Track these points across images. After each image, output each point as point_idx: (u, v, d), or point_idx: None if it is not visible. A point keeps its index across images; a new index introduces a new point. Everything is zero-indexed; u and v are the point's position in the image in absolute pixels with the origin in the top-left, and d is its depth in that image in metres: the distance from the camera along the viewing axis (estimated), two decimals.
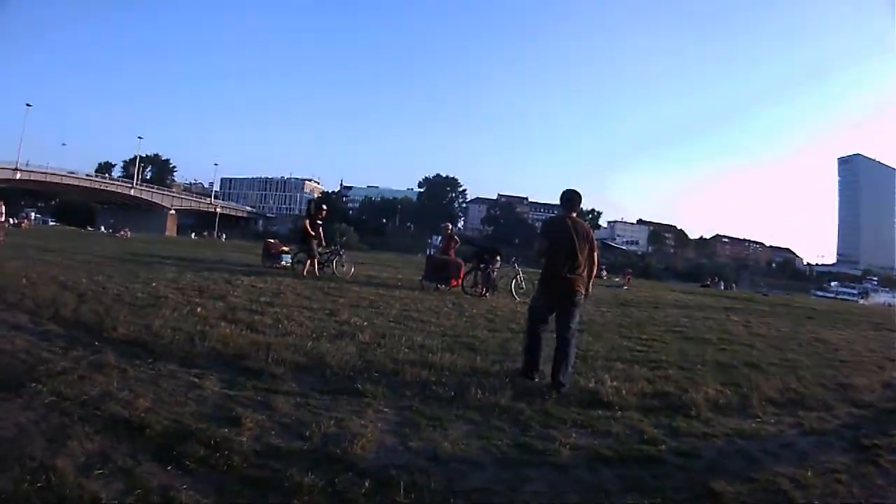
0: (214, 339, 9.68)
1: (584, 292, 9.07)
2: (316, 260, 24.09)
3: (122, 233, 72.41)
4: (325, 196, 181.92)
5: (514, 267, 23.17)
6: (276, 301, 14.96)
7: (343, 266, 25.94)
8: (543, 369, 8.94)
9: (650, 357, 11.70)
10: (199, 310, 12.43)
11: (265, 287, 17.92)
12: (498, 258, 23.24)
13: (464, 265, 23.40)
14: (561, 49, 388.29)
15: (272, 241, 31.60)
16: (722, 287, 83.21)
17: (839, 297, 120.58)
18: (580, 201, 9.39)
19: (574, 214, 9.18)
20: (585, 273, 9.01)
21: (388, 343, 10.68)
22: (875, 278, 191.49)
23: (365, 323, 12.68)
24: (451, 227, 25.70)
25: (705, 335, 15.84)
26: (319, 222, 24.59)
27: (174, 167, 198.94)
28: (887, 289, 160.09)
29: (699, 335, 15.75)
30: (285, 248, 29.06)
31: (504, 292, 22.80)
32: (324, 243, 25.23)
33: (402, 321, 13.53)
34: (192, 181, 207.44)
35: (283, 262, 27.83)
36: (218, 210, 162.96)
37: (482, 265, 22.69)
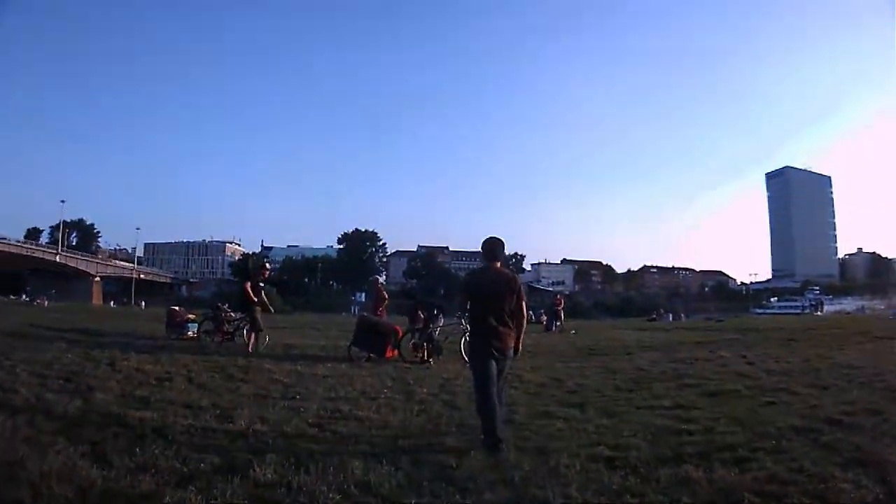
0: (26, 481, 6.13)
1: (514, 347, 8.81)
2: (259, 333, 19.98)
3: (39, 301, 67.64)
4: (245, 257, 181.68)
5: (461, 322, 18.42)
6: (156, 395, 11.05)
7: (254, 336, 21.09)
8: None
9: (709, 439, 8.52)
10: (37, 418, 8.90)
11: (153, 370, 14.10)
12: (441, 314, 19.42)
13: (398, 329, 19.27)
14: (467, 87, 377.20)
15: (176, 308, 27.09)
16: (670, 318, 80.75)
17: (787, 311, 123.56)
18: (503, 249, 9.21)
19: (498, 264, 9.03)
20: (514, 326, 8.76)
21: (304, 480, 6.53)
22: (816, 288, 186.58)
23: (270, 432, 8.70)
24: (380, 279, 21.63)
25: (726, 385, 13.08)
26: (262, 284, 20.97)
27: (98, 233, 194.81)
28: (830, 297, 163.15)
29: (720, 387, 12.88)
30: (191, 316, 25.05)
31: (451, 356, 18.47)
32: (271, 310, 21.70)
33: (327, 422, 9.54)
34: (117, 247, 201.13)
35: (190, 333, 23.56)
36: (141, 276, 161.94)
37: (421, 325, 18.97)
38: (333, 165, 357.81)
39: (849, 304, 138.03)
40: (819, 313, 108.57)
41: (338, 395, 11.86)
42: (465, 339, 16.92)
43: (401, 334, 19.05)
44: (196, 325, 23.44)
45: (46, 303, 65.36)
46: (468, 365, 10.11)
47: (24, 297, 79.85)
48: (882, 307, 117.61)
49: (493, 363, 8.50)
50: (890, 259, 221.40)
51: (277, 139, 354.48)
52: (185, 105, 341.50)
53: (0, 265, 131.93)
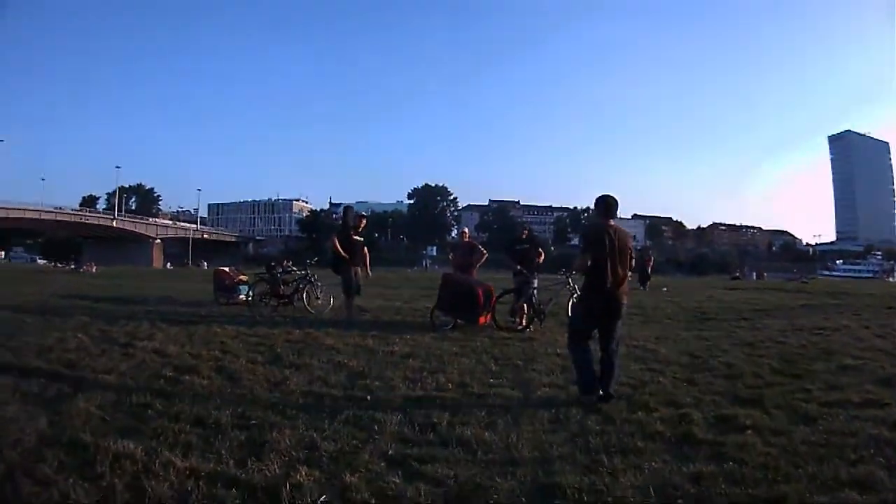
0: None
1: (626, 303, 8.65)
2: (351, 297, 16.54)
3: (86, 267, 64.02)
4: (313, 214, 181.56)
5: (567, 281, 15.60)
6: (160, 403, 7.53)
7: (318, 297, 18.68)
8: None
9: None
10: None
11: (176, 352, 10.94)
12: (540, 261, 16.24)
13: (492, 288, 15.63)
14: (545, 52, 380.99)
15: (226, 269, 23.43)
16: (754, 277, 76.73)
17: (853, 274, 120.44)
18: (617, 207, 8.79)
19: (612, 222, 8.63)
20: (626, 283, 8.63)
21: None
22: (879, 253, 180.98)
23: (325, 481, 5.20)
24: (468, 232, 17.93)
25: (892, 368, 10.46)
26: (359, 238, 16.87)
27: (159, 196, 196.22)
28: (893, 262, 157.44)
29: (890, 372, 10.16)
30: (243, 277, 21.55)
31: (555, 323, 15.54)
32: (369, 272, 17.53)
33: (418, 452, 5.97)
34: (179, 209, 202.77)
35: (241, 296, 20.07)
36: (204, 236, 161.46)
37: (524, 281, 15.60)
38: (401, 120, 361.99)
39: None
40: (891, 279, 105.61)
41: (426, 390, 8.66)
42: (573, 300, 14.75)
43: (494, 295, 15.61)
44: (248, 287, 20.11)
45: (94, 269, 62.34)
46: (571, 317, 9.72)
47: (69, 264, 74.22)
48: None
49: (598, 320, 8.48)
50: None
51: (342, 93, 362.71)
52: (243, 57, 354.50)
53: (57, 235, 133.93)
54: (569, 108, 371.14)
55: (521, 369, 10.20)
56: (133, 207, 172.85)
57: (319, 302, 18.43)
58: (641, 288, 34.58)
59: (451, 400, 8.09)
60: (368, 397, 8.07)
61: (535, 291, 15.44)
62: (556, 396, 8.49)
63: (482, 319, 15.22)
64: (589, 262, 8.30)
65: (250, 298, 19.14)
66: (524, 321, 15.20)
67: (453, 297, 15.33)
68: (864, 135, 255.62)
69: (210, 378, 8.97)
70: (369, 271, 17.51)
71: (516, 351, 11.92)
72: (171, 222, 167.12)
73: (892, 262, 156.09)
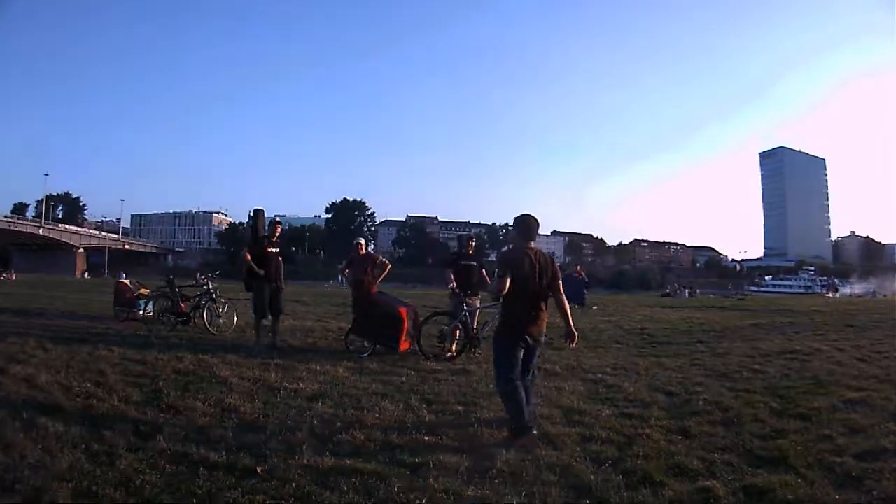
0: None
1: (545, 332, 8.07)
2: (260, 318, 14.04)
3: (5, 276, 61.58)
4: (232, 227, 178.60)
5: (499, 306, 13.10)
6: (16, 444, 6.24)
7: (219, 315, 16.25)
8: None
9: None
10: None
11: (48, 383, 9.10)
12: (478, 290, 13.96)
13: (414, 309, 13.90)
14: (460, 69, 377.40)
15: (126, 282, 21.25)
16: (686, 294, 74.99)
17: (785, 290, 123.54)
18: (538, 227, 8.24)
19: (532, 244, 8.02)
20: (549, 308, 8.06)
21: None
22: (811, 268, 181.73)
23: None
24: (363, 243, 15.18)
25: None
26: (273, 250, 14.30)
27: (84, 205, 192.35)
28: (825, 279, 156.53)
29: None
30: (145, 290, 19.16)
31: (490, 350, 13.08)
32: (281, 285, 14.50)
33: None
34: (103, 218, 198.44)
35: (141, 311, 17.90)
36: (126, 247, 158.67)
37: (459, 302, 13.43)
38: (322, 136, 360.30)
39: (857, 288, 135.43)
40: (831, 295, 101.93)
41: (339, 455, 6.32)
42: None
43: (416, 319, 13.69)
44: (148, 302, 18.06)
45: (13, 277, 60.59)
46: (494, 349, 8.29)
47: None
48: (889, 292, 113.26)
49: (522, 350, 7.76)
50: (883, 244, 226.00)
51: (265, 107, 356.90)
52: (169, 76, 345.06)
53: None
54: (484, 123, 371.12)
55: (462, 418, 8.21)
56: (60, 216, 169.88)
57: (221, 321, 16.20)
58: (577, 307, 31.12)
59: (371, 475, 5.80)
60: (258, 468, 5.73)
61: (470, 315, 13.30)
62: (521, 468, 6.20)
63: (405, 345, 13.20)
64: (505, 287, 7.65)
65: (149, 314, 17.20)
66: (455, 348, 13.24)
67: (371, 319, 13.24)
68: (797, 151, 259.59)
69: (67, 425, 6.85)
70: (282, 284, 14.68)
71: (451, 389, 9.89)
72: (95, 232, 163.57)
73: (829, 279, 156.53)
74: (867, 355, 13.64)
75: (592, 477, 5.85)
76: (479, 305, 13.66)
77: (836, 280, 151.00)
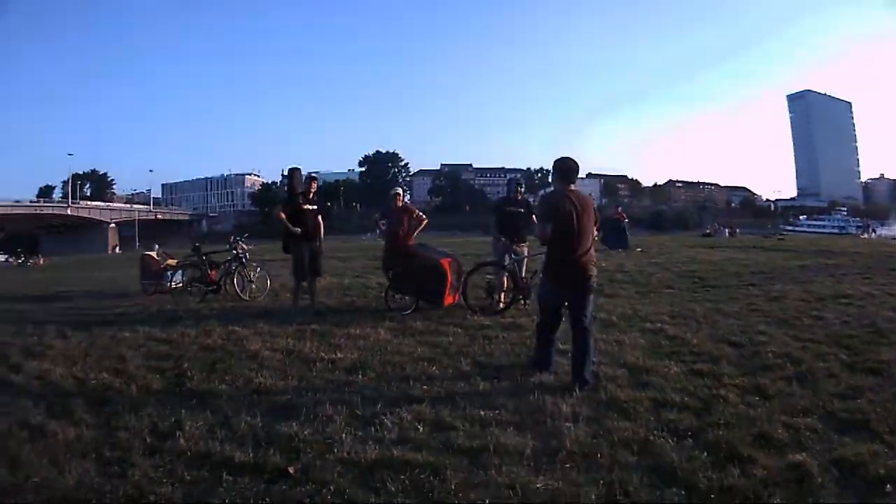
0: None
1: (596, 274, 7.78)
2: (300, 280, 13.01)
3: (33, 261, 59.63)
4: (265, 187, 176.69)
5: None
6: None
7: (251, 280, 15.40)
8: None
9: None
10: None
11: (63, 376, 8.20)
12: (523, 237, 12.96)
13: (459, 261, 13.03)
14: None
15: (152, 253, 19.78)
16: (727, 234, 73.21)
17: (819, 230, 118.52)
18: (578, 171, 7.99)
19: (572, 187, 7.83)
20: (593, 251, 7.83)
21: None
22: (844, 209, 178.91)
23: None
24: (401, 194, 13.98)
25: None
26: (310, 207, 13.08)
27: (112, 180, 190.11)
28: (859, 219, 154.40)
29: None
30: (171, 262, 18.07)
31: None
32: (321, 237, 13.45)
33: None
34: (133, 191, 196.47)
35: (170, 283, 16.43)
36: (158, 217, 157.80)
37: (507, 250, 12.40)
38: (351, 86, 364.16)
39: (887, 230, 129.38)
40: (867, 236, 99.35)
41: (382, 443, 5.45)
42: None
43: (463, 269, 12.96)
44: (175, 272, 16.81)
45: (41, 261, 59.24)
46: (538, 297, 8.36)
47: (17, 259, 66.06)
48: None
49: (568, 297, 7.62)
50: None
51: (289, 61, 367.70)
52: (189, 36, 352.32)
53: (16, 230, 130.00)
54: (516, 68, 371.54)
55: (520, 384, 7.22)
56: (88, 194, 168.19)
57: (254, 286, 15.37)
58: (621, 251, 30.40)
59: (422, 468, 4.90)
60: (291, 469, 4.86)
61: (518, 264, 12.34)
62: (595, 448, 5.27)
63: (449, 299, 12.32)
64: (550, 232, 7.48)
65: (178, 285, 16.07)
66: (504, 300, 12.29)
67: (413, 273, 12.30)
68: (824, 94, 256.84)
69: (79, 429, 6.02)
70: (321, 246, 13.69)
71: (504, 349, 9.03)
72: (126, 206, 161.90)
73: (864, 220, 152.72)
74: None
75: (674, 456, 5.06)
76: (526, 253, 12.72)
77: (870, 222, 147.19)
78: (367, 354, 8.71)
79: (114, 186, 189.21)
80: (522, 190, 13.49)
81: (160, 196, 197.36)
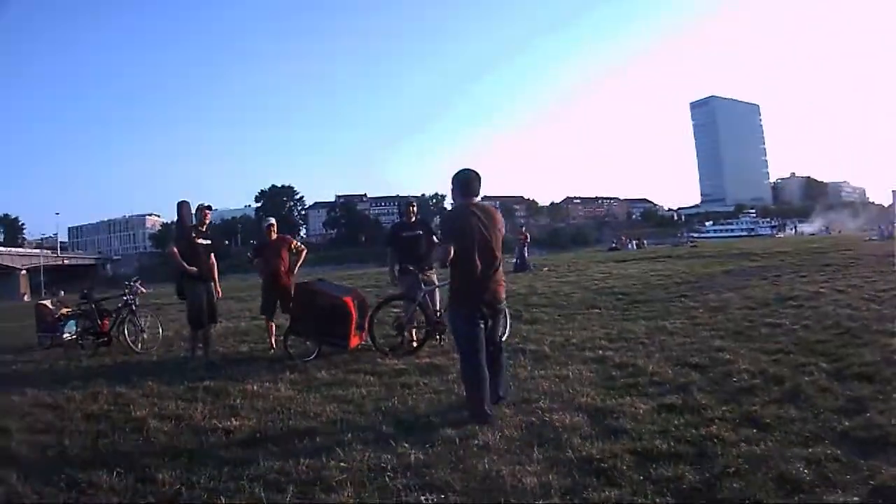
0: None
1: (504, 296, 7.23)
2: (197, 328, 11.41)
3: None
4: (165, 227, 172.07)
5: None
6: None
7: (142, 328, 13.53)
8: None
9: None
10: None
11: None
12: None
13: (363, 297, 11.64)
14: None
15: (46, 303, 17.68)
16: (634, 246, 73.04)
17: (727, 234, 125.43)
18: (480, 182, 7.25)
19: (476, 199, 7.17)
20: (501, 272, 7.19)
21: None
22: (752, 211, 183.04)
23: None
24: (274, 225, 12.80)
25: None
26: (204, 242, 11.48)
27: (23, 225, 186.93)
28: (768, 220, 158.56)
29: None
30: (67, 310, 15.74)
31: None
32: (218, 289, 11.94)
33: None
34: (42, 236, 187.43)
35: (66, 335, 14.67)
36: (64, 262, 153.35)
37: (413, 283, 10.93)
38: (243, 123, 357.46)
39: (809, 226, 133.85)
40: (781, 235, 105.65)
41: None
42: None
43: (368, 306, 11.36)
44: (71, 322, 14.94)
45: None
46: (451, 329, 7.61)
47: None
48: (839, 229, 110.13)
49: (481, 322, 6.84)
50: (825, 182, 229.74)
51: (183, 101, 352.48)
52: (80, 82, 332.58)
53: None
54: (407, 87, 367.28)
55: (459, 448, 5.67)
56: (1, 239, 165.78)
57: (145, 335, 13.63)
58: (525, 270, 29.87)
59: None
60: None
61: (429, 295, 10.82)
62: None
63: (355, 340, 10.87)
64: (452, 253, 6.74)
65: (73, 337, 14.41)
66: (416, 338, 10.92)
67: (312, 314, 10.81)
68: (728, 99, 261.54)
69: None
70: (218, 287, 12.05)
71: (430, 399, 7.61)
72: (36, 251, 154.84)
73: (778, 219, 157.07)
74: (873, 295, 12.82)
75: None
76: (437, 282, 11.10)
77: (787, 220, 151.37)
78: (267, 419, 7.18)
79: (25, 231, 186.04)
80: (415, 210, 11.99)
81: (66, 240, 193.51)
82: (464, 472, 5.03)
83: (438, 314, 10.81)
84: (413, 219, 11.71)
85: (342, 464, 5.38)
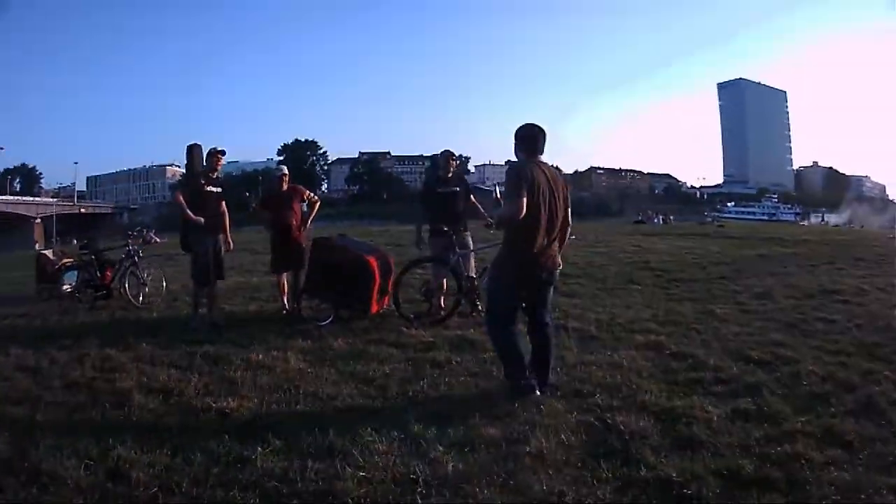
0: None
1: (560, 265, 6.45)
2: (202, 285, 10.12)
3: None
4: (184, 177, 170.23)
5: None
6: None
7: (144, 280, 12.54)
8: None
9: None
10: None
11: None
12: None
13: (389, 258, 10.23)
14: None
15: (48, 253, 17.06)
16: (660, 221, 72.16)
17: (748, 217, 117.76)
18: (545, 140, 6.37)
19: (540, 158, 6.29)
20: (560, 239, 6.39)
21: None
22: (774, 196, 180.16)
23: None
24: (287, 174, 10.89)
25: None
26: (213, 189, 10.16)
27: (41, 174, 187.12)
28: (790, 206, 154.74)
29: None
30: (69, 260, 14.92)
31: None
32: (230, 242, 10.82)
33: None
34: (59, 185, 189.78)
35: (66, 286, 13.71)
36: (82, 210, 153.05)
37: (448, 244, 9.67)
38: (271, 72, 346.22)
39: (834, 218, 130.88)
40: (805, 223, 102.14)
41: None
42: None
43: (393, 268, 10.12)
44: (72, 273, 13.88)
45: None
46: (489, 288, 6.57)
47: None
48: (861, 224, 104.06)
49: (526, 292, 6.20)
50: (847, 175, 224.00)
51: (210, 45, 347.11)
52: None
53: None
54: (430, 53, 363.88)
55: (516, 461, 4.54)
56: (18, 189, 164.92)
57: (147, 289, 12.60)
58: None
59: None
60: None
61: (463, 259, 9.69)
62: None
63: (376, 306, 9.69)
64: (523, 210, 5.86)
65: (72, 287, 13.39)
66: (444, 306, 9.80)
67: (329, 273, 9.63)
68: (757, 83, 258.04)
69: None
70: (230, 239, 10.91)
71: (465, 383, 6.49)
72: (51, 200, 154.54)
73: (801, 207, 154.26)
74: None
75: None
76: (472, 244, 10.23)
77: (817, 210, 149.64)
78: (272, 399, 6.09)
79: (42, 180, 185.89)
80: (457, 163, 10.88)
81: (85, 189, 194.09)
82: (514, 492, 4.03)
83: (473, 281, 9.71)
84: (451, 173, 10.50)
85: (361, 472, 4.31)
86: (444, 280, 9.85)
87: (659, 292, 12.30)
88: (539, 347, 6.21)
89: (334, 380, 6.60)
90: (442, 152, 10.82)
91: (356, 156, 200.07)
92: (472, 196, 10.39)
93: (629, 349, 7.58)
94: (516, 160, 6.38)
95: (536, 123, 6.36)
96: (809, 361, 7.01)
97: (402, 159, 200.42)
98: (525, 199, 5.80)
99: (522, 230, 5.98)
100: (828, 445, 4.73)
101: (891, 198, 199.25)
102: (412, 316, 9.46)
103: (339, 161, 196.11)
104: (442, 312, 9.58)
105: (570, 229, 6.56)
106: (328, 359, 7.43)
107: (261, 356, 7.51)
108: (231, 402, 5.87)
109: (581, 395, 5.96)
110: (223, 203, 10.44)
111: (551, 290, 6.48)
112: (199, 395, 6.19)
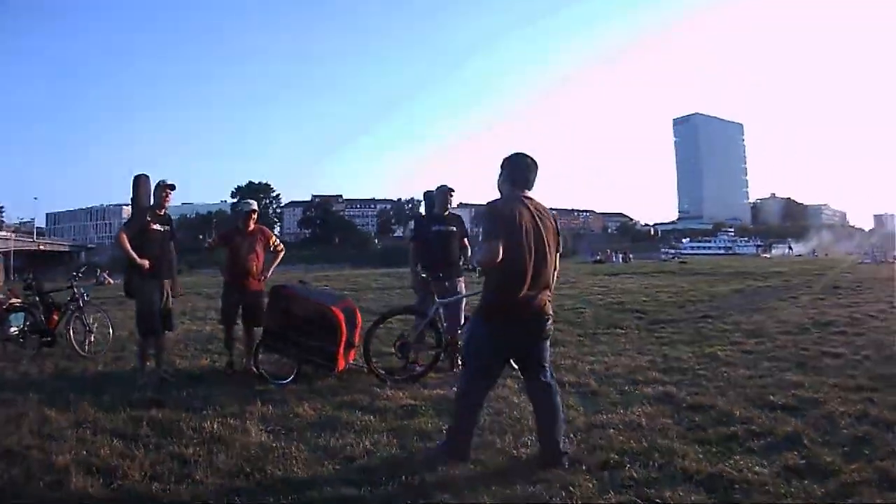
0: None
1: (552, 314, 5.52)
2: (148, 336, 8.83)
3: None
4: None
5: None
6: None
7: (90, 327, 11.25)
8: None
9: None
10: None
11: None
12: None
13: (354, 307, 9.25)
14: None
15: None
16: (621, 260, 72.41)
17: (704, 251, 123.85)
18: (537, 172, 5.59)
19: (529, 194, 5.47)
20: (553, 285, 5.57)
21: None
22: (730, 230, 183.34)
23: None
24: (256, 210, 9.84)
25: None
26: (160, 227, 8.90)
27: (2, 207, 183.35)
28: (746, 239, 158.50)
29: None
30: (16, 301, 12.95)
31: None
32: (176, 285, 9.56)
33: None
34: (20, 220, 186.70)
35: (13, 328, 12.15)
36: (41, 247, 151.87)
37: (441, 289, 8.97)
38: (226, 118, 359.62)
39: (797, 247, 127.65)
40: (768, 255, 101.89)
41: None
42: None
43: (359, 317, 9.05)
44: (21, 315, 12.47)
45: None
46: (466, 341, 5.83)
47: None
48: (826, 252, 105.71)
49: (510, 348, 5.35)
50: (805, 205, 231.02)
51: (169, 94, 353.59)
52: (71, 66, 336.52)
53: None
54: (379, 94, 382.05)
55: None
56: None
57: (93, 336, 11.31)
58: None
59: None
60: None
61: (454, 307, 8.84)
62: None
63: (343, 362, 8.56)
64: (500, 253, 4.94)
65: (19, 330, 12.06)
66: (422, 362, 8.69)
67: (290, 325, 8.51)
68: (712, 117, 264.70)
69: None
70: (179, 285, 10.00)
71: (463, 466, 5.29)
72: (12, 235, 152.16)
73: (756, 239, 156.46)
74: None
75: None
76: (463, 292, 9.10)
77: (779, 241, 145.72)
78: (231, 488, 4.82)
79: (3, 214, 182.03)
80: (452, 197, 9.62)
81: (44, 226, 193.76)
82: None
83: (457, 332, 8.70)
84: (447, 211, 9.46)
85: None
86: (422, 334, 8.77)
87: (646, 336, 11.71)
88: (542, 412, 5.42)
89: (306, 459, 5.39)
90: (439, 187, 9.72)
91: (309, 199, 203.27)
92: (466, 240, 9.52)
93: (642, 405, 6.76)
94: (499, 194, 5.56)
95: (529, 154, 5.61)
96: (836, 402, 6.66)
97: (353, 203, 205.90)
98: (501, 242, 5.03)
99: (504, 275, 5.21)
100: (888, 490, 4.49)
101: (851, 224, 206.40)
102: (384, 373, 8.49)
103: (292, 204, 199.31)
104: (418, 368, 8.60)
105: (556, 273, 5.63)
106: (295, 429, 6.29)
107: (215, 425, 6.30)
108: (182, 490, 4.74)
109: (608, 466, 5.02)
110: (172, 243, 9.27)
111: (546, 344, 5.59)
112: (146, 478, 4.96)
